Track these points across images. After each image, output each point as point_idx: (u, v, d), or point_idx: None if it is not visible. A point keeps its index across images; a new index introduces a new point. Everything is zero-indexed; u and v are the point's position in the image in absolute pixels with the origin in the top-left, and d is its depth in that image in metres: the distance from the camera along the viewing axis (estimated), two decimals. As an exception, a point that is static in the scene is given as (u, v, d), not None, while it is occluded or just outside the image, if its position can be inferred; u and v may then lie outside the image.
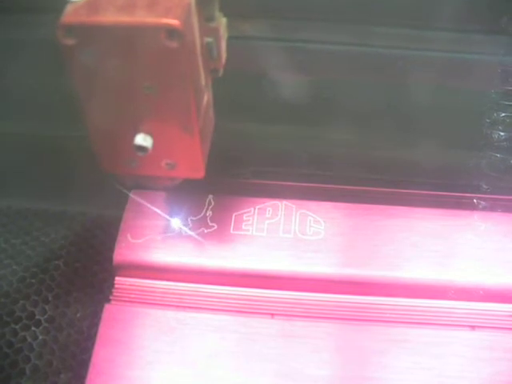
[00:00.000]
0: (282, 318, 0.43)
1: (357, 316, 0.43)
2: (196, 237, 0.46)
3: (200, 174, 0.38)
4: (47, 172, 0.53)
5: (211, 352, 0.42)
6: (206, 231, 0.46)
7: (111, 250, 0.46)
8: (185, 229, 0.46)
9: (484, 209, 0.46)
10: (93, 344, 0.42)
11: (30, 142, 0.54)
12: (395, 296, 0.44)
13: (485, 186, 0.45)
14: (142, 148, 0.33)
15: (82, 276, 0.49)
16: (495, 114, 0.44)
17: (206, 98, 0.36)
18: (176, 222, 0.46)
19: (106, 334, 0.42)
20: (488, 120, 0.44)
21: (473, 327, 0.43)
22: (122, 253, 0.45)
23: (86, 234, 0.52)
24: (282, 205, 0.47)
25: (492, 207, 0.46)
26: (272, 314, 0.44)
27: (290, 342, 0.42)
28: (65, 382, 0.44)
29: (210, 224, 0.46)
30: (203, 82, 0.35)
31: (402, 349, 0.42)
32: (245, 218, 0.47)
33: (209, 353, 0.42)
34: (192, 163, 0.37)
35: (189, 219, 0.47)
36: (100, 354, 0.42)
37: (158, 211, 0.47)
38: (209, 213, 0.47)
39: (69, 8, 0.30)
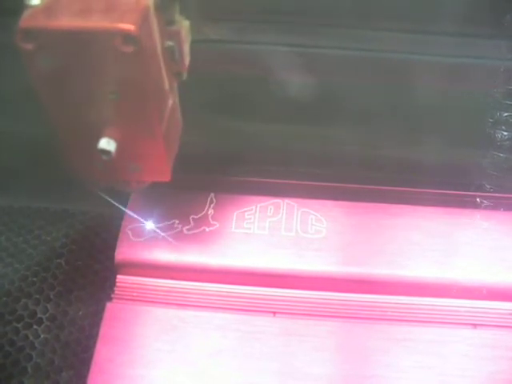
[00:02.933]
0: (283, 317, 0.43)
1: (358, 314, 0.43)
2: (198, 235, 0.46)
3: (166, 177, 0.38)
4: (48, 170, 0.53)
5: (213, 350, 0.42)
6: (207, 229, 0.46)
7: (113, 248, 0.46)
8: (186, 227, 0.46)
9: (486, 207, 0.46)
10: (94, 342, 0.42)
11: (31, 141, 0.54)
12: (397, 294, 0.44)
13: (487, 186, 0.45)
14: (105, 152, 0.33)
15: (83, 274, 0.49)
16: (498, 114, 0.44)
17: (171, 101, 0.36)
18: (177, 221, 0.46)
19: (107, 333, 0.42)
20: (491, 120, 0.44)
21: (474, 325, 0.43)
22: (124, 251, 0.45)
23: (88, 232, 0.52)
24: (283, 203, 0.47)
25: (494, 206, 0.46)
26: (274, 313, 0.44)
27: (292, 340, 0.42)
28: (66, 381, 0.44)
29: (212, 222, 0.46)
30: (167, 86, 0.35)
31: (403, 347, 0.42)
32: (246, 216, 0.47)
33: (210, 351, 0.42)
34: (157, 167, 0.37)
35: (191, 217, 0.47)
36: (101, 352, 0.42)
37: (160, 210, 0.47)
38: (210, 211, 0.47)
39: (27, 12, 0.30)
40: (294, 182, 0.49)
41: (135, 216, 0.47)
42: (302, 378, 0.40)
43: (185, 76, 0.36)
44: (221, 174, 0.49)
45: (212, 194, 0.48)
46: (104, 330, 0.43)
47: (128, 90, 0.32)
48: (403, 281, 0.44)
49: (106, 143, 0.33)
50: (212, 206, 0.47)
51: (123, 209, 0.47)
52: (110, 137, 0.33)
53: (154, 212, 0.47)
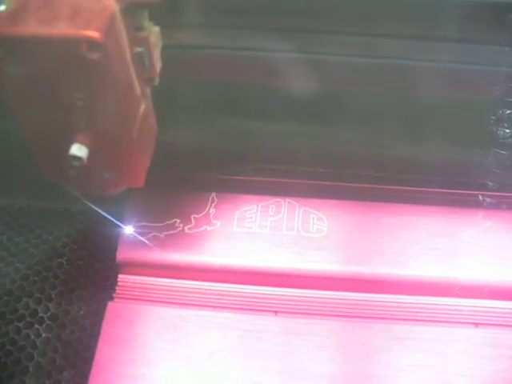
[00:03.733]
0: (285, 316, 0.43)
1: (360, 313, 0.43)
2: (199, 234, 0.46)
3: (138, 183, 0.38)
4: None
5: (214, 349, 0.42)
6: (209, 228, 0.46)
7: (114, 247, 0.46)
8: (187, 226, 0.46)
9: (488, 206, 0.46)
10: (96, 342, 0.42)
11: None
12: (398, 293, 0.44)
13: (490, 184, 0.45)
14: (76, 158, 0.33)
15: (84, 274, 0.49)
16: (500, 112, 0.44)
17: (144, 106, 0.36)
18: (178, 220, 0.46)
19: (108, 332, 0.42)
20: (493, 117, 0.44)
21: (476, 324, 0.43)
22: (125, 250, 0.45)
23: (89, 231, 0.52)
24: (284, 202, 0.47)
25: (496, 205, 0.46)
26: (275, 312, 0.44)
27: (293, 339, 0.42)
28: (68, 380, 0.44)
29: (213, 221, 0.46)
30: (138, 92, 0.35)
31: (404, 346, 0.41)
32: (248, 215, 0.47)
33: (212, 350, 0.42)
34: (130, 173, 0.37)
35: (192, 216, 0.47)
36: (103, 351, 0.42)
37: (161, 209, 0.47)
38: (212, 210, 0.47)
39: None
40: (296, 181, 0.49)
41: (136, 215, 0.47)
42: (303, 376, 0.40)
43: (157, 81, 0.36)
44: (222, 173, 0.49)
45: (213, 193, 0.48)
46: (105, 328, 0.43)
47: (97, 97, 0.31)
48: (405, 280, 0.44)
49: (78, 149, 0.33)
50: (213, 205, 0.47)
51: (124, 208, 0.47)
52: (82, 143, 0.33)
53: (155, 211, 0.47)
